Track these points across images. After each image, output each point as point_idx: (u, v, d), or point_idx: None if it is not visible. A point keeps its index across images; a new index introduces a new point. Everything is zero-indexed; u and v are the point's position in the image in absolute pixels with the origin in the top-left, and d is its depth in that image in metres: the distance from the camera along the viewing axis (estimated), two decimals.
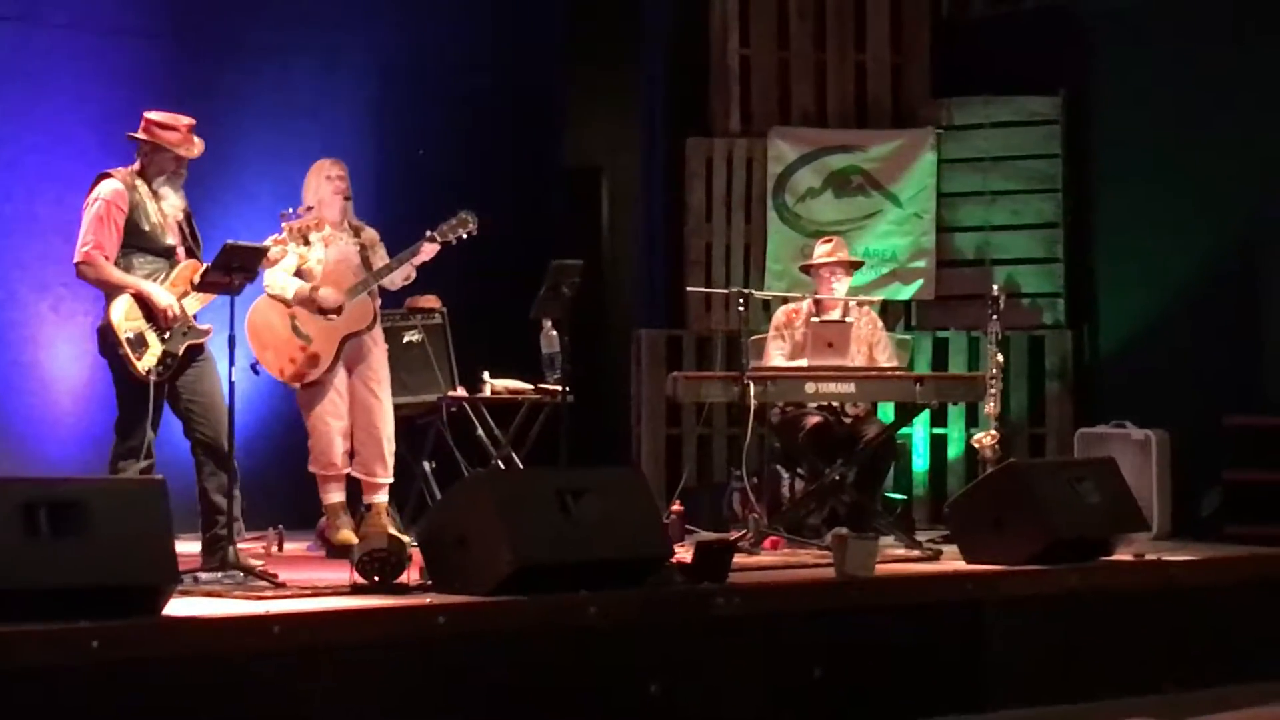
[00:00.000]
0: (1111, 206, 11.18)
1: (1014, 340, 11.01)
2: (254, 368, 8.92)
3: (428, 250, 8.90)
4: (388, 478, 8.96)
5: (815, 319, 9.49)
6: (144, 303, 7.61)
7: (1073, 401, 11.19)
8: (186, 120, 7.82)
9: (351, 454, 8.91)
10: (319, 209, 8.81)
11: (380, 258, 8.99)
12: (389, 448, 8.94)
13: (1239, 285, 10.56)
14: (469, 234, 8.97)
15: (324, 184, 8.90)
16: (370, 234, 9.07)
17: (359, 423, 8.89)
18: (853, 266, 9.89)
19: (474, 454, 9.71)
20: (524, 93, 11.70)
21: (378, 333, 9.00)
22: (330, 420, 8.80)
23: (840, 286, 9.75)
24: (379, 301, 8.97)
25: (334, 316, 8.76)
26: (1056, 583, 7.68)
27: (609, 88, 12.22)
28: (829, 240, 9.97)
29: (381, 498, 8.96)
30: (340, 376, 8.83)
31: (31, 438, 9.77)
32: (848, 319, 9.53)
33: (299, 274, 8.82)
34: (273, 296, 8.81)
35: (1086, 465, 8.66)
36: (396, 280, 8.98)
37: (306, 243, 8.38)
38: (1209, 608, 8.06)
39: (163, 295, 7.63)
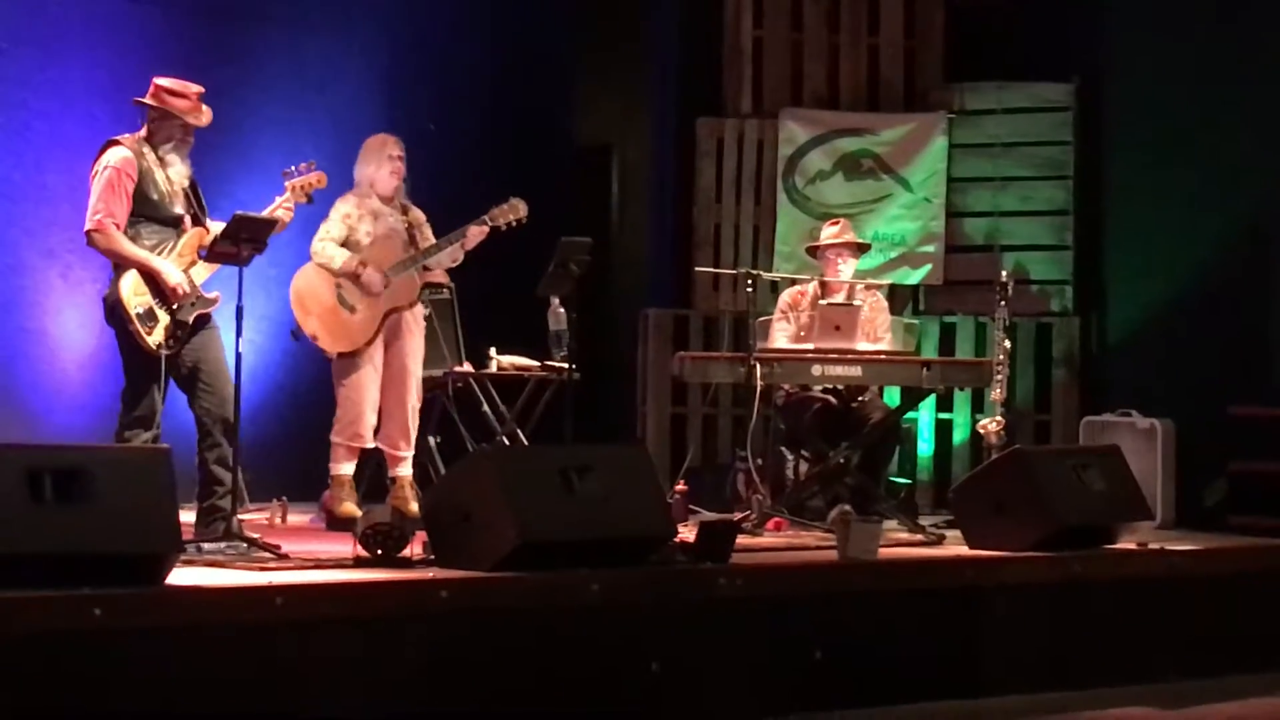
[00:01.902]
0: (1122, 195, 11.17)
1: (1021, 327, 11.01)
2: (294, 334, 8.92)
3: (475, 233, 8.96)
4: (410, 450, 9.02)
5: (823, 301, 9.49)
6: (152, 278, 7.59)
7: (1079, 389, 11.19)
8: (196, 88, 7.80)
9: (377, 427, 8.95)
10: (372, 185, 8.89)
11: (425, 238, 9.06)
12: (414, 422, 9.01)
13: (1248, 276, 10.55)
14: (519, 220, 9.00)
15: (385, 162, 8.99)
16: (417, 214, 9.13)
17: (390, 396, 8.94)
18: (859, 249, 9.88)
19: (479, 430, 9.71)
20: (535, 70, 11.69)
21: (418, 310, 9.05)
22: (366, 392, 8.84)
23: (846, 268, 9.73)
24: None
25: (380, 289, 8.80)
26: (1059, 570, 7.67)
27: (620, 66, 12.21)
28: (836, 222, 9.97)
29: (405, 470, 9.02)
30: (378, 349, 8.87)
31: (37, 405, 9.77)
32: (855, 302, 9.52)
33: (345, 245, 8.86)
34: (319, 265, 8.84)
35: (1091, 453, 8.65)
36: (444, 261, 9.03)
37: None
38: (1212, 598, 8.06)
39: (173, 273, 7.59)
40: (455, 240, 8.94)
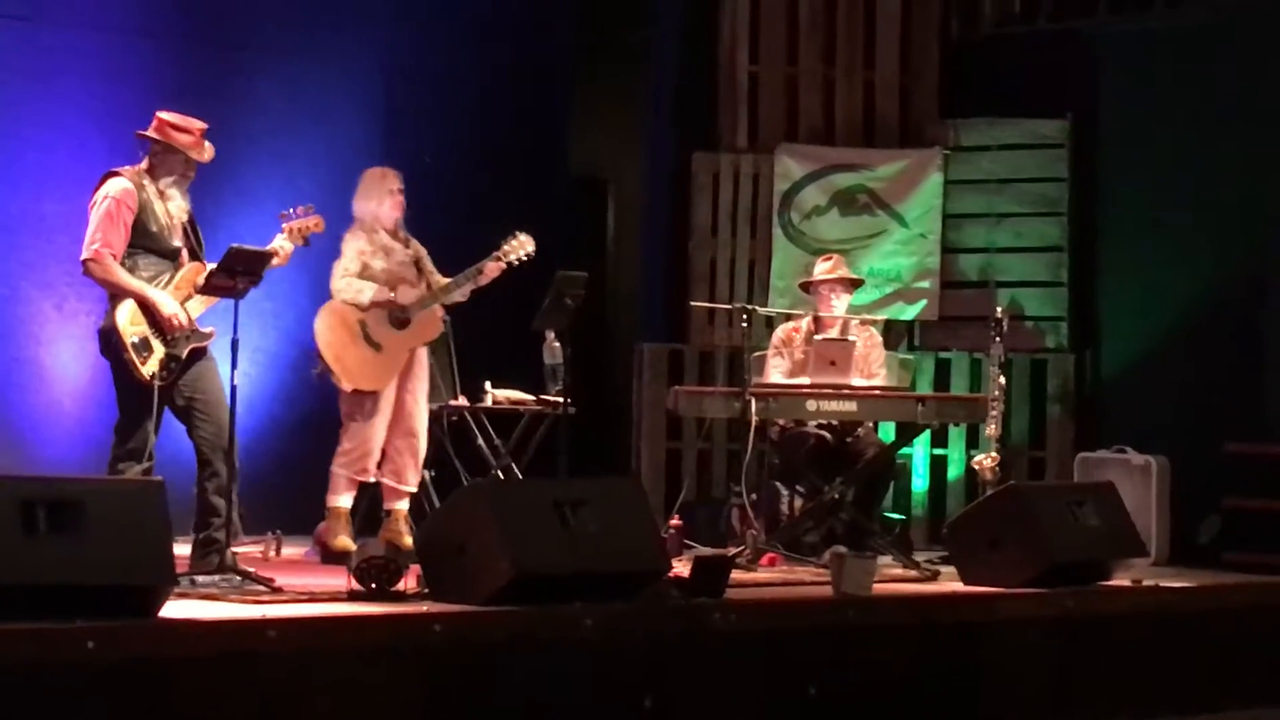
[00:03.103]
0: (1116, 231, 11.18)
1: (1016, 363, 11.01)
2: (317, 373, 8.89)
3: (492, 269, 8.95)
4: (415, 487, 8.99)
5: (818, 337, 9.49)
6: (148, 309, 7.58)
7: (1074, 425, 11.18)
8: (199, 124, 7.81)
9: (380, 460, 8.94)
10: (375, 219, 8.88)
11: (429, 270, 9.05)
12: (422, 457, 8.99)
13: (1242, 312, 10.57)
14: (529, 255, 8.99)
15: (387, 196, 8.98)
16: (418, 246, 9.13)
17: (399, 430, 8.94)
18: (853, 284, 9.88)
19: (474, 463, 9.70)
20: (531, 103, 11.71)
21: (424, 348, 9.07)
22: (378, 428, 8.84)
23: (840, 304, 9.74)
24: None
25: (405, 326, 8.79)
26: (1053, 606, 7.66)
27: (616, 100, 12.24)
28: (829, 258, 9.97)
29: (404, 505, 9.01)
30: (391, 385, 8.86)
31: (31, 436, 9.76)
32: (850, 337, 9.52)
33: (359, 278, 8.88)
34: (346, 302, 8.83)
35: (1086, 489, 8.63)
36: (455, 297, 9.02)
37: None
38: (1206, 634, 8.05)
39: (168, 303, 7.59)
40: (471, 276, 8.95)
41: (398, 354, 8.86)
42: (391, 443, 8.95)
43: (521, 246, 8.99)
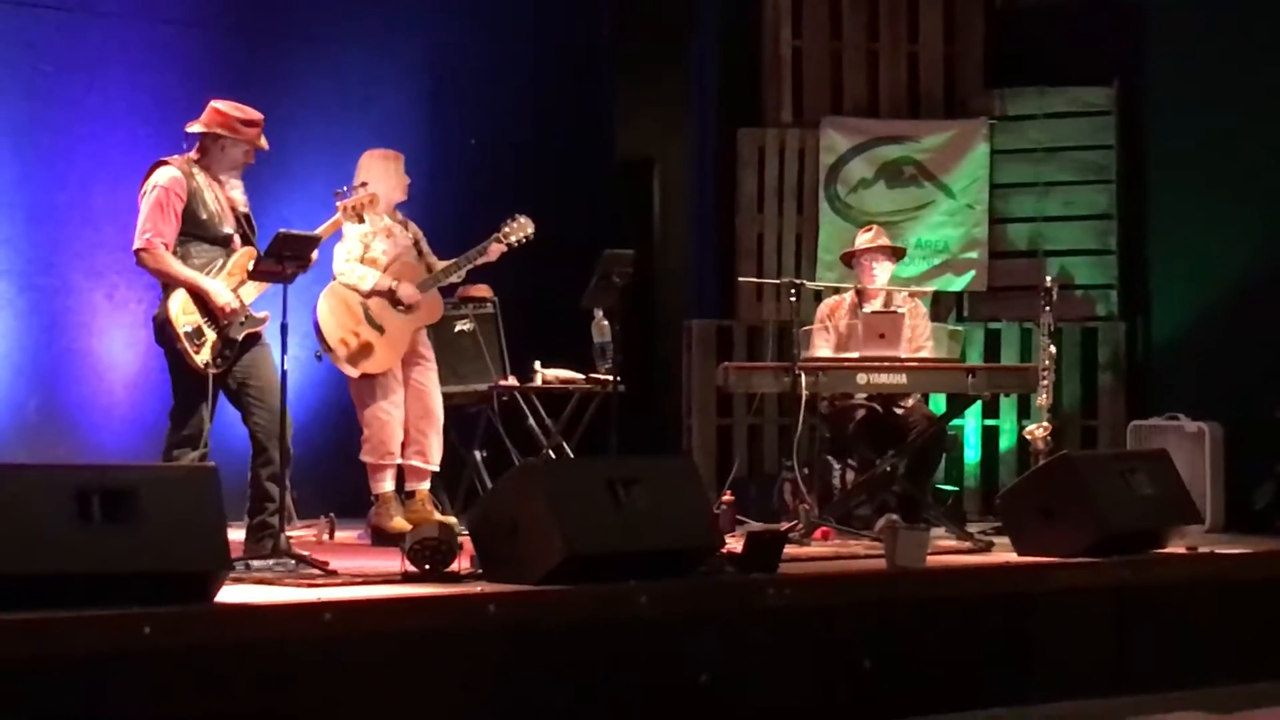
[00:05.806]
0: (1165, 198, 11.14)
1: (1066, 332, 10.98)
2: (318, 356, 8.93)
3: (494, 251, 8.98)
4: (436, 466, 9.00)
5: (865, 309, 9.47)
6: (201, 297, 7.61)
7: (1125, 393, 11.16)
8: (258, 114, 7.83)
9: (404, 442, 8.96)
10: (380, 199, 8.88)
11: (426, 253, 9.07)
12: (440, 434, 9.01)
13: None
14: (527, 238, 9.04)
15: (392, 176, 8.97)
16: (415, 229, 9.15)
17: (418, 410, 8.95)
18: (894, 253, 9.84)
19: (525, 443, 9.73)
20: (575, 83, 11.72)
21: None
22: (391, 410, 8.85)
23: (882, 272, 9.70)
24: None
25: (409, 309, 8.82)
26: (1108, 575, 7.64)
27: (660, 78, 12.23)
28: (869, 228, 9.94)
29: (425, 485, 9.01)
30: (398, 366, 8.88)
31: (84, 425, 9.82)
32: (898, 308, 9.50)
33: (362, 263, 8.88)
34: (347, 285, 8.86)
35: (1139, 457, 8.60)
36: (452, 279, 9.06)
37: (361, 220, 8.38)
38: (1261, 601, 8.01)
39: (221, 293, 7.60)
40: (474, 258, 8.98)
41: (401, 336, 8.87)
42: (413, 423, 8.96)
43: (521, 229, 9.05)
